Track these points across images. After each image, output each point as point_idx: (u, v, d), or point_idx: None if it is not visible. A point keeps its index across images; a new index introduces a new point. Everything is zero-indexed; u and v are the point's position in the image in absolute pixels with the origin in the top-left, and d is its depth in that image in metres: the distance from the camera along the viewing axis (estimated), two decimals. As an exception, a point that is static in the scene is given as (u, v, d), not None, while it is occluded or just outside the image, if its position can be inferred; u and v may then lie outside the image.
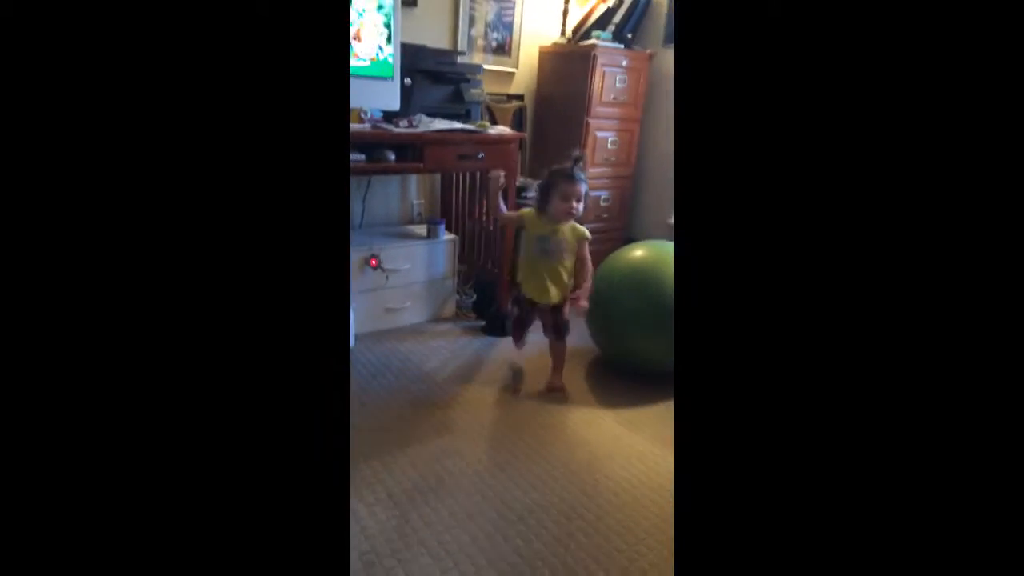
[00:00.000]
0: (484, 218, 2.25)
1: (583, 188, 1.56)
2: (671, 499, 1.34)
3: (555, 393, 1.76)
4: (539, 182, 1.61)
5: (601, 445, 1.54)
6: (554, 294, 1.66)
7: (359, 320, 2.04)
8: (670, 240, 2.06)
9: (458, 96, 2.11)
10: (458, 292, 2.44)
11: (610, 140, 2.49)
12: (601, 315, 1.87)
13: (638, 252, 1.88)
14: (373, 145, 1.74)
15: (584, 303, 1.63)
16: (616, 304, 1.81)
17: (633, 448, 1.54)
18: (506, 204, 2.08)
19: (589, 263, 1.66)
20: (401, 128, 1.81)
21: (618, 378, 1.90)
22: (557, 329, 1.72)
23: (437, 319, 2.31)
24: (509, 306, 1.73)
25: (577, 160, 1.55)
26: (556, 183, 1.56)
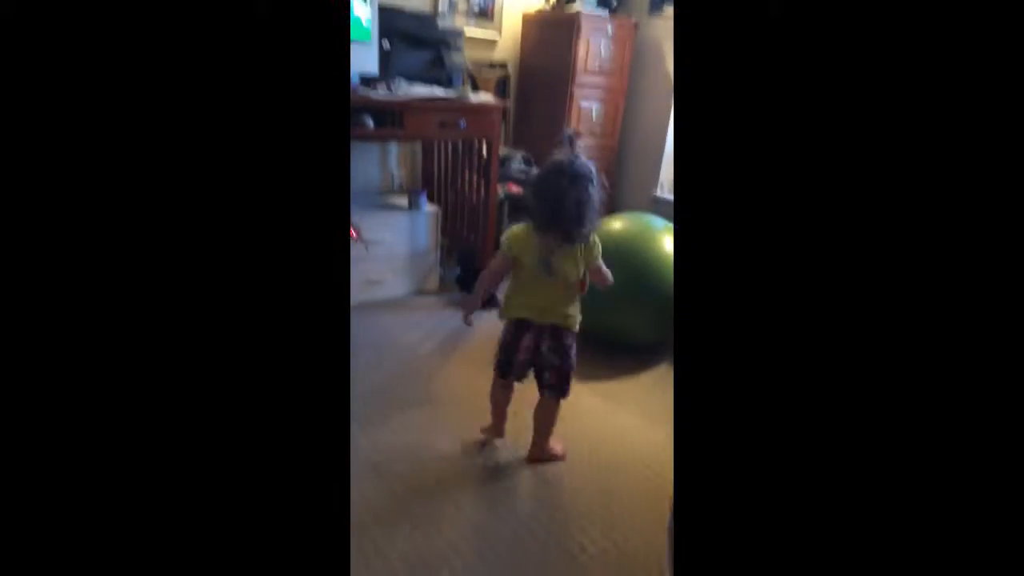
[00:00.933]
0: (467, 190, 2.21)
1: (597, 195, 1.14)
2: (650, 467, 1.36)
3: (546, 459, 1.36)
4: (539, 188, 1.14)
5: (581, 418, 1.55)
6: (558, 314, 1.23)
7: (339, 293, 2.00)
8: (655, 214, 2.05)
9: (439, 62, 2.04)
10: (441, 265, 2.41)
11: (595, 110, 2.44)
12: (584, 287, 1.86)
13: (617, 225, 1.87)
14: (351, 110, 1.68)
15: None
16: (600, 276, 1.80)
17: (616, 421, 1.55)
18: (488, 180, 2.03)
19: (605, 270, 1.25)
20: (380, 93, 1.75)
21: (598, 353, 1.90)
22: (558, 376, 1.26)
23: (420, 292, 2.28)
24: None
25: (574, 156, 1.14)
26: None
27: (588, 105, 2.42)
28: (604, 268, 1.24)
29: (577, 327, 1.27)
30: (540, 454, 1.35)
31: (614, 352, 1.88)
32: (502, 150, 2.39)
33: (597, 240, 1.20)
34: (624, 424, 1.54)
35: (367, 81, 1.81)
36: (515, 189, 2.26)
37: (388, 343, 1.87)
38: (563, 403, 1.58)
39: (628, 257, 1.75)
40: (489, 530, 1.15)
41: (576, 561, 1.09)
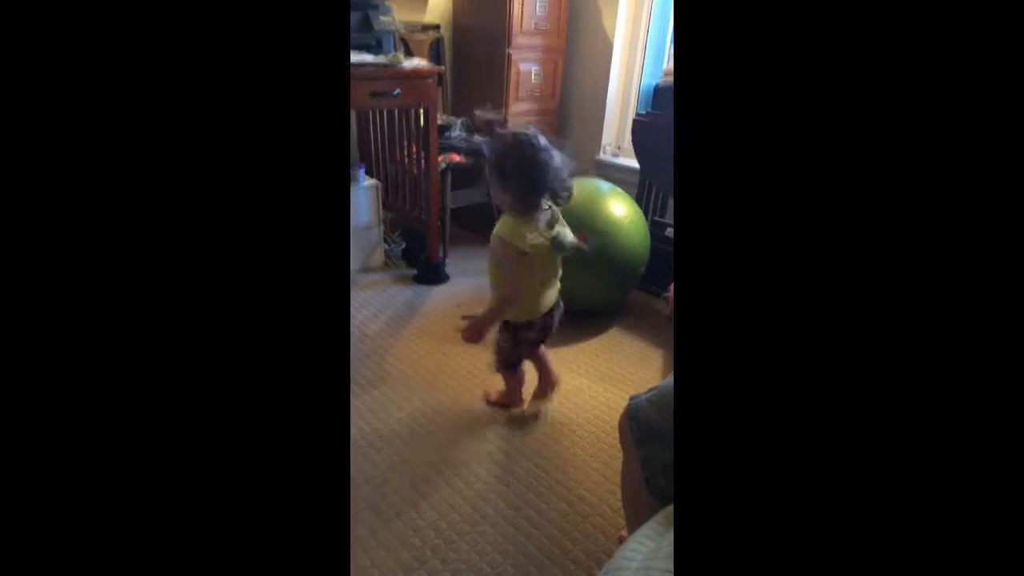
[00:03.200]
0: (407, 162, 2.13)
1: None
2: (605, 428, 1.40)
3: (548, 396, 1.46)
4: (510, 166, 1.08)
5: (536, 385, 1.57)
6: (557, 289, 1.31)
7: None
8: (599, 178, 2.06)
9: (366, 25, 1.92)
10: (386, 240, 2.34)
11: (534, 72, 2.38)
12: (532, 256, 1.86)
13: (566, 190, 1.86)
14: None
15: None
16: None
17: (569, 384, 1.58)
18: (428, 150, 1.96)
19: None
20: (304, 62, 1.63)
21: (552, 317, 1.92)
22: (547, 332, 1.33)
23: (365, 270, 2.22)
24: (503, 348, 1.31)
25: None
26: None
27: (527, 67, 2.36)
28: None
29: None
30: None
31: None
32: (441, 118, 2.31)
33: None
34: (576, 386, 1.57)
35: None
36: (457, 158, 2.20)
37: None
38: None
39: (576, 222, 1.75)
40: (448, 505, 1.16)
41: (533, 524, 1.12)
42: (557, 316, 1.33)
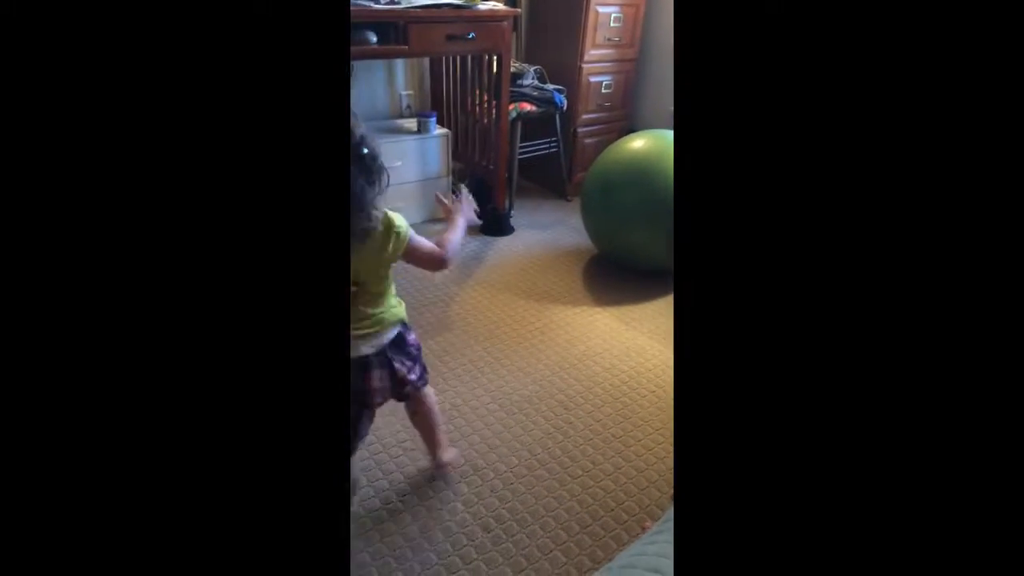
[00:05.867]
0: (478, 111, 2.11)
1: None
2: (665, 388, 1.38)
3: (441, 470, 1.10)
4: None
5: (597, 340, 1.56)
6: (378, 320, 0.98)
7: (352, 221, 1.99)
8: (672, 129, 1.95)
9: (443, -34, 1.87)
10: (454, 191, 2.36)
11: (613, 16, 2.25)
12: (599, 211, 1.81)
13: (637, 143, 1.78)
14: (352, 25, 1.57)
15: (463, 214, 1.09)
16: (615, 199, 1.74)
17: (631, 342, 1.56)
18: (500, 98, 1.92)
19: (429, 249, 1.01)
20: (382, 5, 1.63)
21: (616, 276, 1.89)
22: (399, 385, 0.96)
23: (432, 219, 2.26)
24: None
25: None
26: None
27: (607, 10, 2.23)
28: (426, 247, 0.99)
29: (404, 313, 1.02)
30: (441, 464, 1.08)
31: (629, 274, 1.87)
32: (514, 65, 2.25)
33: (396, 221, 0.92)
34: (639, 345, 1.55)
35: (366, -9, 1.68)
36: (528, 107, 2.15)
37: (400, 270, 1.87)
38: (581, 324, 1.59)
39: (644, 177, 1.68)
40: (507, 449, 1.19)
41: (589, 474, 1.14)
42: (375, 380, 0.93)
